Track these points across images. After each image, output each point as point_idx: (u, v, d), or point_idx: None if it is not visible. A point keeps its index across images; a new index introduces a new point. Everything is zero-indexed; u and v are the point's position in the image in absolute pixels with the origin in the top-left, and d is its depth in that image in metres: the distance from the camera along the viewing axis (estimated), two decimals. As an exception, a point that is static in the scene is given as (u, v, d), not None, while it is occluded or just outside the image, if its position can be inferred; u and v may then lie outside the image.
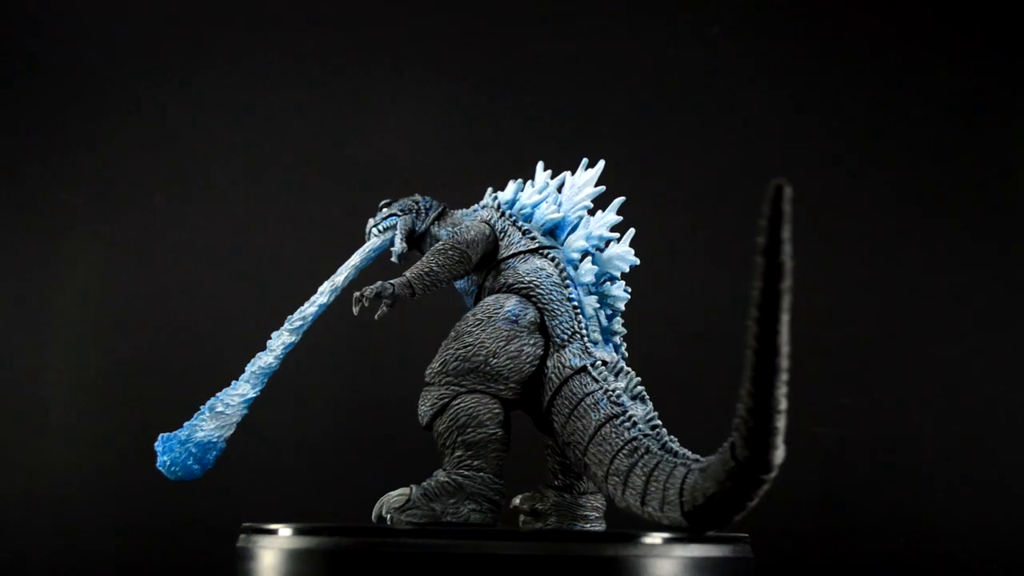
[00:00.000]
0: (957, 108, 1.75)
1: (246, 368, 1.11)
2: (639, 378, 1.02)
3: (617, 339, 1.07)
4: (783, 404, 0.88)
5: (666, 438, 0.97)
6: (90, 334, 1.76)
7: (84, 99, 1.80)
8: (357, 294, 1.06)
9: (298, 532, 0.94)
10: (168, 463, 1.05)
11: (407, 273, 1.08)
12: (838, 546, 1.67)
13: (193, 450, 1.06)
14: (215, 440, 1.07)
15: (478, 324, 1.04)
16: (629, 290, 1.09)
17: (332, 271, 1.17)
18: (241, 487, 1.52)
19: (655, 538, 0.91)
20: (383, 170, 1.79)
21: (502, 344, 1.03)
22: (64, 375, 1.75)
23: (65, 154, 1.78)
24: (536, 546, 0.88)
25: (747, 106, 1.78)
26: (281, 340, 1.12)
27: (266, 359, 1.11)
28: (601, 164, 1.13)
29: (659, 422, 0.99)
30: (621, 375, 1.02)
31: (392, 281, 1.06)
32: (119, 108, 1.80)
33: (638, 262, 1.09)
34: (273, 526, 0.96)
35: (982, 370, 1.69)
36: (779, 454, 0.88)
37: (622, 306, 1.08)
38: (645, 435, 0.97)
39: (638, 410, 0.99)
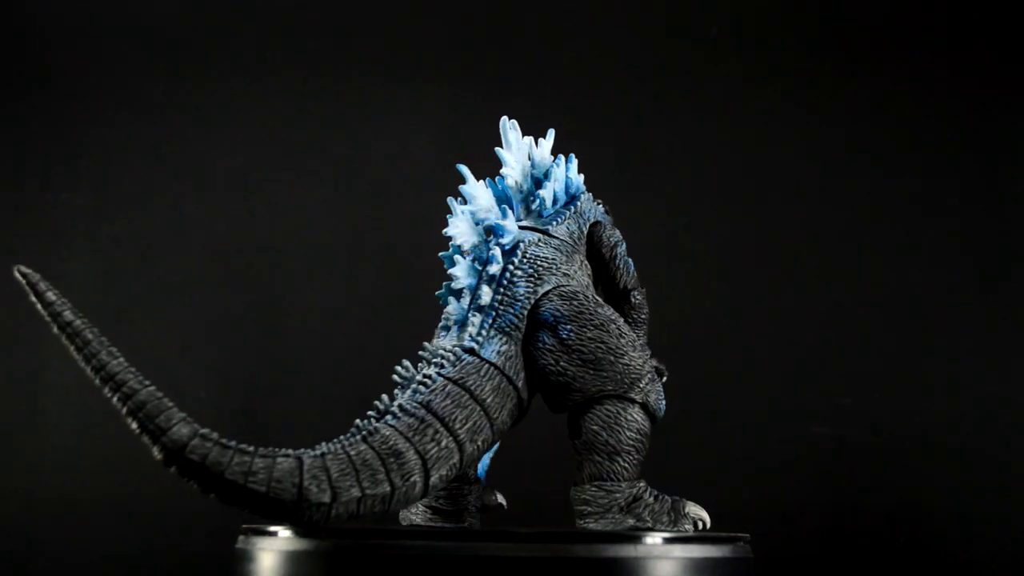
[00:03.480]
0: (957, 108, 1.75)
1: None
2: (427, 368, 0.99)
3: (451, 321, 1.03)
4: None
5: (363, 431, 0.94)
6: (90, 334, 1.75)
7: (84, 99, 1.79)
8: None
9: (297, 534, 0.94)
10: None
11: None
12: (838, 546, 1.67)
13: None
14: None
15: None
16: (496, 256, 1.03)
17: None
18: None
19: (655, 538, 0.92)
20: (384, 170, 1.79)
21: None
22: (64, 375, 1.74)
23: (65, 154, 1.78)
24: (536, 547, 0.88)
25: (747, 106, 1.78)
26: None
27: None
28: (503, 121, 1.11)
29: (376, 414, 0.96)
30: (424, 365, 1.00)
31: None
32: (119, 108, 1.80)
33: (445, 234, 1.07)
34: (272, 527, 0.96)
35: (982, 370, 1.69)
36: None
37: (456, 285, 1.04)
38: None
39: (395, 398, 0.98)
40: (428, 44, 1.82)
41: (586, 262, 1.10)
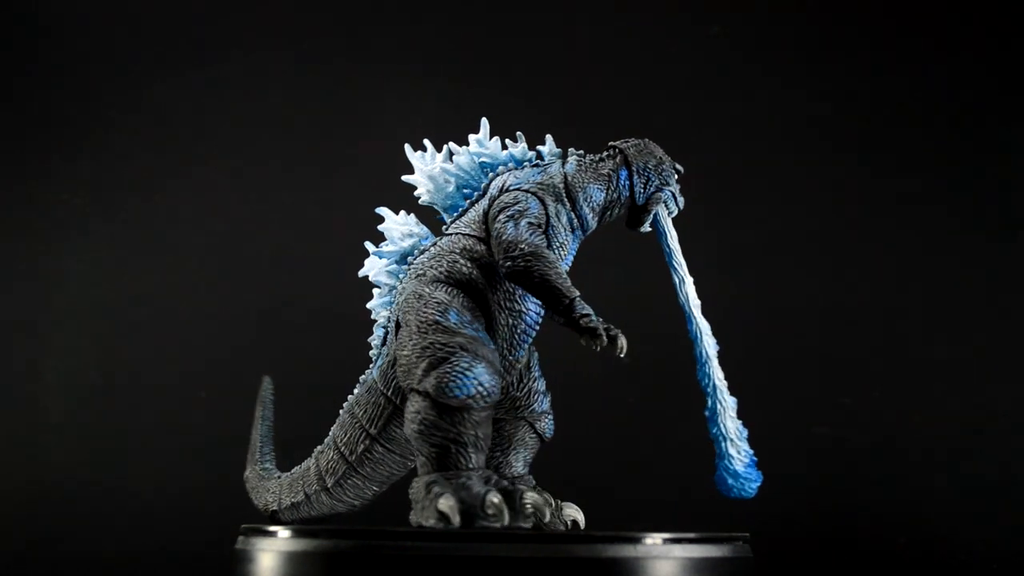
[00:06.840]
0: (957, 107, 1.75)
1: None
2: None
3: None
4: None
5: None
6: (90, 334, 1.76)
7: (84, 99, 1.79)
8: None
9: (297, 534, 0.94)
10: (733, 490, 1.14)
11: None
12: (838, 546, 1.67)
13: (730, 482, 1.13)
14: (731, 461, 1.14)
15: None
16: (379, 279, 1.10)
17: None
18: (241, 488, 1.53)
19: (655, 539, 0.91)
20: (383, 169, 1.78)
21: None
22: (64, 375, 1.75)
23: (65, 154, 1.78)
24: (536, 548, 0.88)
25: (747, 106, 1.78)
26: (704, 349, 1.16)
27: (715, 374, 1.17)
28: (406, 148, 1.15)
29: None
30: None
31: None
32: (119, 108, 1.80)
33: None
34: (272, 528, 0.96)
35: (982, 370, 1.69)
36: None
37: (374, 316, 1.11)
38: None
39: None
40: (430, 44, 1.82)
41: (470, 242, 1.04)
